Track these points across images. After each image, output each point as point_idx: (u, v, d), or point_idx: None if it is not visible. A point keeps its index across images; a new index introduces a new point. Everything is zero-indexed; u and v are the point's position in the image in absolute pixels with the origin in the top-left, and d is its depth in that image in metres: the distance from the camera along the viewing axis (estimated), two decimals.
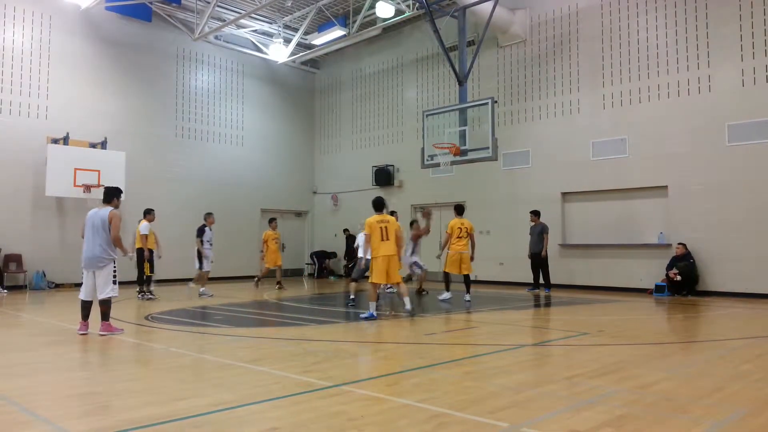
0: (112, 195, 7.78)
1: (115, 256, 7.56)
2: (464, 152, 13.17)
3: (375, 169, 19.28)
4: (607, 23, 14.39)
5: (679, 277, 12.27)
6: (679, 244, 12.62)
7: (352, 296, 11.02)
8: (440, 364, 5.61)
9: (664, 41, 13.41)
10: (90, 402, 4.35)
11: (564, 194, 15.03)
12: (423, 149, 13.86)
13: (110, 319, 7.62)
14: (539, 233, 13.66)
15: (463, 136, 13.31)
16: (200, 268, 12.77)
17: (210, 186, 18.71)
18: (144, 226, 12.11)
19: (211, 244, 12.96)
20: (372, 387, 4.65)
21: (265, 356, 6.05)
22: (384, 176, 19.01)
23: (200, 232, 12.70)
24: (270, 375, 5.14)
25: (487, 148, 12.75)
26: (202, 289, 12.77)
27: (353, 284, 11.15)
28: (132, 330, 8.03)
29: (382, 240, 9.09)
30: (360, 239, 11.34)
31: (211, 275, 18.71)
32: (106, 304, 7.52)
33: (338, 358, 5.99)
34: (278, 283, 14.94)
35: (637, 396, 4.37)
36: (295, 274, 20.97)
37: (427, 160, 13.80)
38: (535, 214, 13.89)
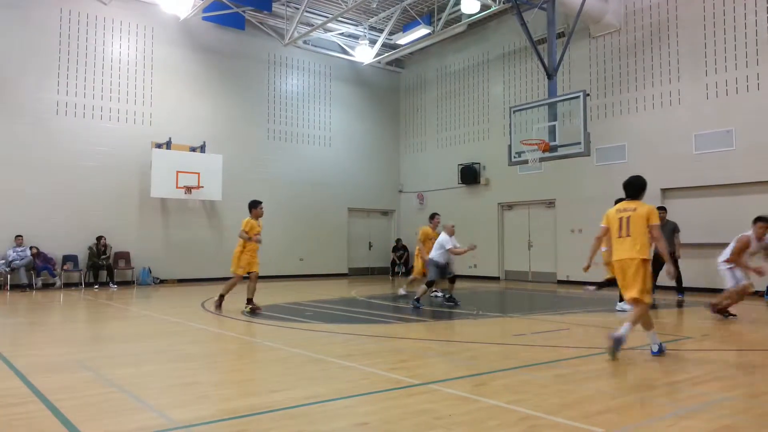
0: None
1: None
2: (554, 148, 12.76)
3: (461, 167, 19.11)
4: (709, 7, 13.44)
5: None
6: None
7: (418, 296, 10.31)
8: (530, 365, 5.47)
9: None
10: (192, 392, 4.60)
11: (664, 190, 14.20)
12: (510, 146, 13.59)
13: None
14: (671, 231, 12.37)
15: (552, 131, 12.90)
16: None
17: (300, 186, 19.29)
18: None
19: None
20: (459, 386, 4.61)
21: (354, 352, 6.15)
22: (470, 174, 18.79)
23: None
24: (359, 371, 5.23)
25: (579, 143, 12.29)
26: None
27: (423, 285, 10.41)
28: (230, 324, 8.43)
29: (619, 237, 5.99)
30: (442, 239, 10.34)
31: (300, 273, 19.23)
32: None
33: (425, 357, 5.99)
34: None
35: (747, 405, 4.06)
36: (382, 272, 21.20)
37: (515, 157, 13.51)
38: (664, 210, 12.72)
